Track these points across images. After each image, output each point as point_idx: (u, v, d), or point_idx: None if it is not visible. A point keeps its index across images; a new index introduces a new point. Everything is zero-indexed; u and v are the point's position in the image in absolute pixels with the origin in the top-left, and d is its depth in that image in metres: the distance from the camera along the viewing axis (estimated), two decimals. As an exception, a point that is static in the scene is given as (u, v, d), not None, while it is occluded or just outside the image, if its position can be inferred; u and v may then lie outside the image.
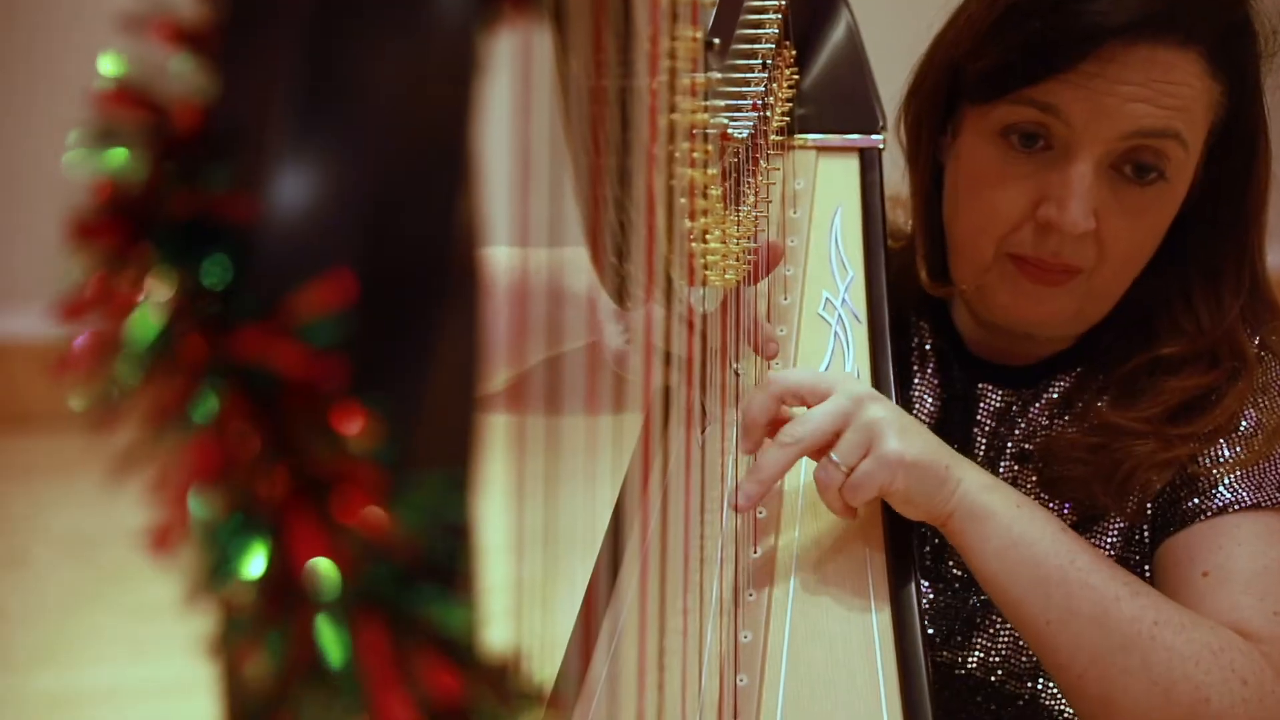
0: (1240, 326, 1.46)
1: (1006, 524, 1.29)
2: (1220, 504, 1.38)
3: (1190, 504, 1.39)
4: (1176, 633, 1.26)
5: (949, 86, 1.49)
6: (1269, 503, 1.38)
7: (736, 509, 1.33)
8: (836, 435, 1.31)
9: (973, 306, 1.53)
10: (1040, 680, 1.47)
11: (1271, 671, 1.27)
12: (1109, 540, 1.44)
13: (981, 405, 1.55)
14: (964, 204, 1.47)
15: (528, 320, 1.26)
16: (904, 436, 1.30)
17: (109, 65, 0.53)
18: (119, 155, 0.53)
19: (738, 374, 1.46)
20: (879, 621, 1.31)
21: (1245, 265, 1.47)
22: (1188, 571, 1.36)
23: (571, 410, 1.34)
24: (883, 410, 1.31)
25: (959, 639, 1.48)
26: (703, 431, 1.42)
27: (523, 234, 0.69)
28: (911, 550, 1.35)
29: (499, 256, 1.24)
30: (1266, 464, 1.40)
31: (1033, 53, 1.38)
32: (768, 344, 1.44)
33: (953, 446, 1.42)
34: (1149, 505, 1.42)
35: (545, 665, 0.64)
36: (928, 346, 1.59)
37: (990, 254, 1.45)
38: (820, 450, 1.32)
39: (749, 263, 1.41)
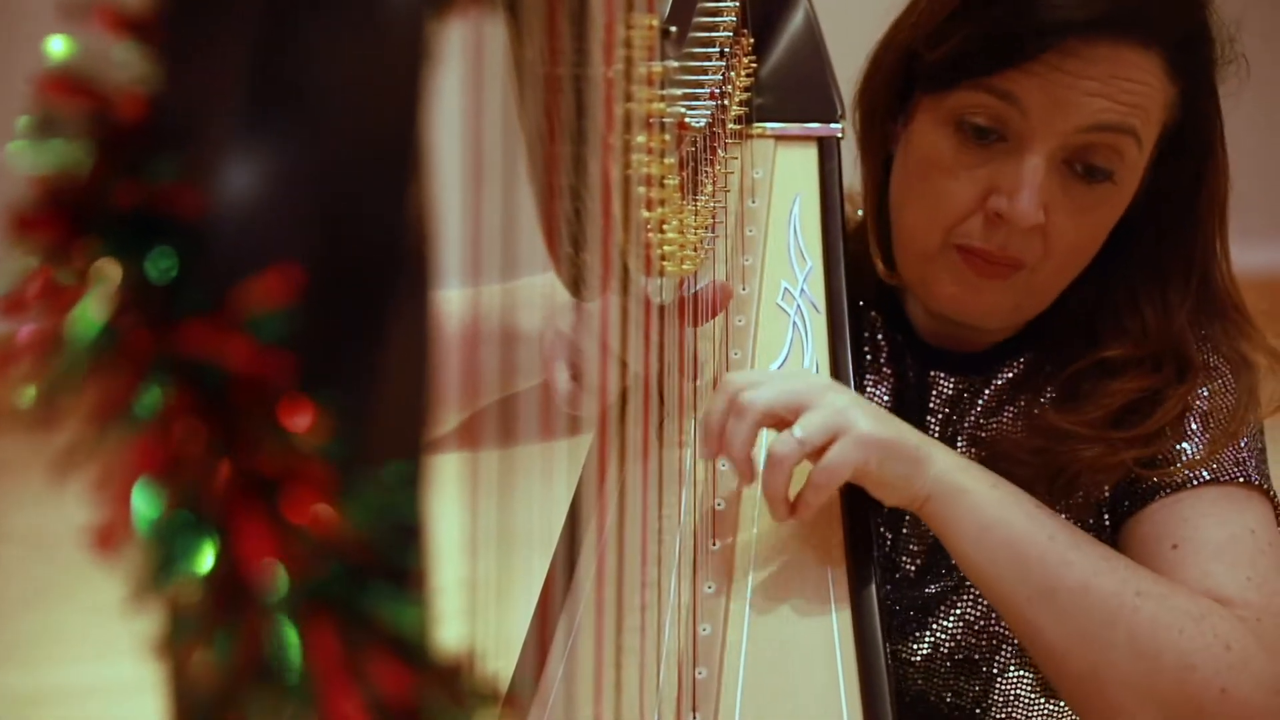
0: (1187, 331, 1.46)
1: (983, 504, 1.30)
2: (1179, 481, 1.40)
3: (1150, 483, 1.41)
4: (1158, 602, 1.27)
5: (904, 74, 1.49)
6: (1226, 477, 1.39)
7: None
8: (792, 414, 1.30)
9: (916, 295, 1.53)
10: (996, 665, 1.47)
11: (1252, 636, 1.28)
12: None
13: (934, 393, 1.55)
14: (913, 192, 1.47)
15: (479, 365, 1.25)
16: (873, 419, 1.30)
17: (52, 54, 0.52)
18: (61, 146, 0.52)
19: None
20: (837, 611, 1.31)
21: (1194, 271, 1.48)
22: (1155, 546, 1.38)
23: (526, 440, 1.34)
24: (846, 398, 1.31)
25: (913, 627, 1.49)
26: (660, 424, 1.42)
27: (475, 227, 0.68)
28: (871, 541, 1.35)
29: (450, 300, 1.24)
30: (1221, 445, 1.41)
31: (994, 42, 1.38)
32: (720, 290, 1.44)
33: None
34: (1100, 493, 1.43)
35: (501, 664, 0.63)
36: (880, 336, 1.59)
37: (937, 244, 1.45)
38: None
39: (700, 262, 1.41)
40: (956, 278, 1.45)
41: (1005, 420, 1.51)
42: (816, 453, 1.28)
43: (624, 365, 1.37)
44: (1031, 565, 1.28)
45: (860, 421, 1.29)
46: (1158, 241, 1.48)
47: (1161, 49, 1.38)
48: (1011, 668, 1.47)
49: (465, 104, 0.65)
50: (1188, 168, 1.47)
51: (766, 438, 1.33)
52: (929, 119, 1.44)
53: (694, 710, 1.25)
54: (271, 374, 0.50)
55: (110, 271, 0.51)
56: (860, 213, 1.63)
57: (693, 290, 1.42)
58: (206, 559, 0.50)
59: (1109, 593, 1.27)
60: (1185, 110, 1.44)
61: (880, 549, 1.49)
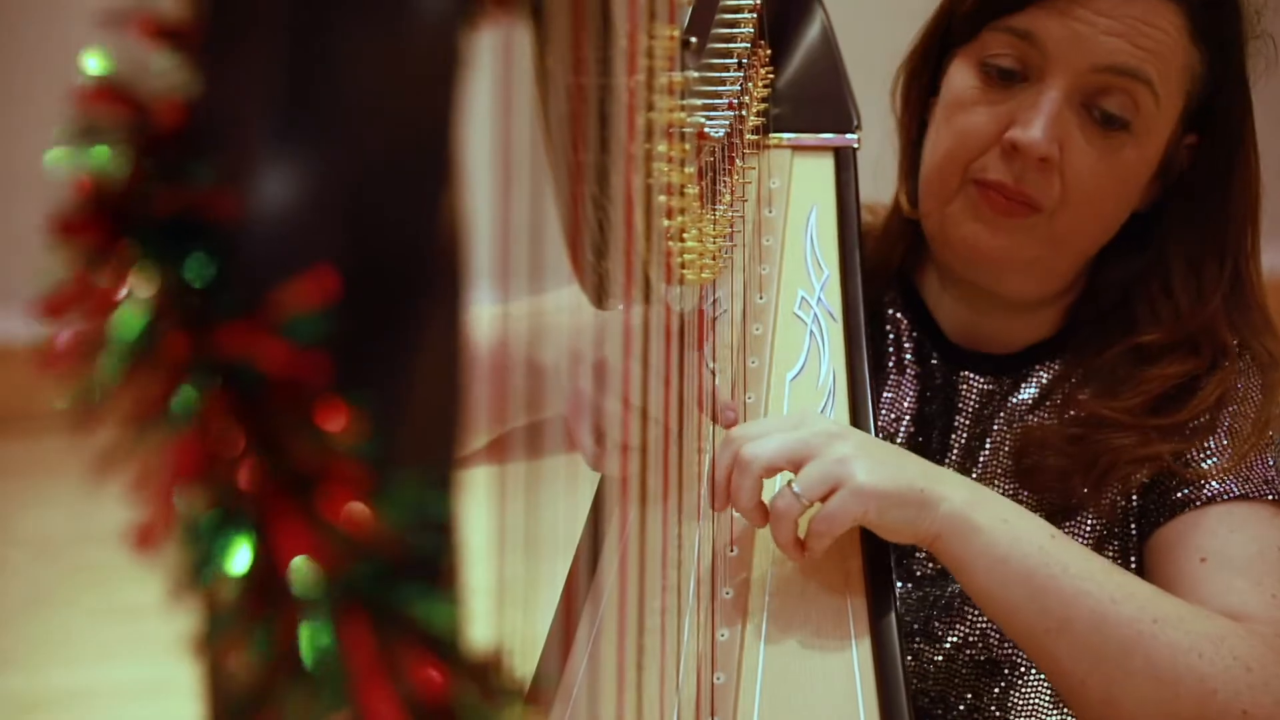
0: (1221, 320, 1.48)
1: (995, 540, 1.29)
2: (1209, 494, 1.41)
3: (1180, 494, 1.42)
4: (1175, 627, 1.26)
5: (941, 40, 1.55)
6: (1256, 494, 1.40)
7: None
8: (795, 466, 1.30)
9: (937, 249, 1.56)
10: (1019, 667, 1.47)
11: (1272, 655, 1.27)
12: (1085, 530, 1.46)
13: (963, 391, 1.56)
14: (939, 135, 1.52)
15: (506, 389, 1.26)
16: (873, 468, 1.28)
17: (91, 62, 0.53)
18: (101, 153, 0.52)
19: (714, 372, 1.46)
20: (855, 615, 1.31)
21: (1228, 259, 1.51)
22: (1183, 558, 1.38)
23: (552, 453, 1.34)
24: (849, 446, 1.30)
25: (936, 625, 1.49)
26: (679, 430, 1.42)
27: (504, 231, 0.69)
28: (888, 546, 1.35)
29: (481, 320, 1.24)
30: (1250, 458, 1.42)
31: None
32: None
33: (934, 435, 1.42)
34: (1129, 501, 1.44)
35: (525, 664, 0.64)
36: (905, 340, 1.60)
37: (957, 181, 1.49)
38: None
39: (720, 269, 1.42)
40: (974, 214, 1.48)
41: (1035, 419, 1.52)
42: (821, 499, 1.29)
43: (645, 417, 1.37)
44: (1048, 598, 1.27)
45: (859, 472, 1.27)
46: (1192, 228, 1.51)
47: (1184, 4, 1.42)
48: (1033, 670, 1.47)
49: (494, 110, 0.66)
50: (1221, 152, 1.50)
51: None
52: (957, 67, 1.50)
53: (713, 714, 1.26)
54: (307, 375, 0.51)
55: (148, 276, 0.52)
56: (884, 221, 1.64)
57: (713, 316, 1.44)
58: (243, 558, 0.51)
59: (1126, 620, 1.26)
60: (1213, 83, 1.47)
61: (899, 547, 1.50)
